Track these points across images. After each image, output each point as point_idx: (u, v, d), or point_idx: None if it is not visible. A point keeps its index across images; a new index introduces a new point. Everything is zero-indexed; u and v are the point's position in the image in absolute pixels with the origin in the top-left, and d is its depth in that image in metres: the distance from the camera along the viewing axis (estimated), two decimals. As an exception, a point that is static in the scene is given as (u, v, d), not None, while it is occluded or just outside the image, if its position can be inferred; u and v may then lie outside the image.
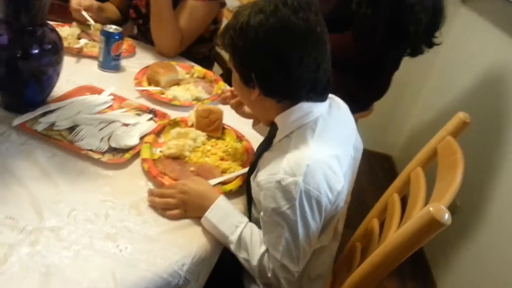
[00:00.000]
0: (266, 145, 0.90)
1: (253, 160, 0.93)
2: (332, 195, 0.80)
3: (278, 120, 0.85)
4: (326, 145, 0.81)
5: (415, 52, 1.53)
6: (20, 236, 0.74)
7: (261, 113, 0.92)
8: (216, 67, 1.81)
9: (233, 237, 0.84)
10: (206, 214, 0.84)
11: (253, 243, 0.85)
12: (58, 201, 0.83)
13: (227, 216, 0.85)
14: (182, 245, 0.81)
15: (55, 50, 1.04)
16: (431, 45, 1.53)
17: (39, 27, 1.02)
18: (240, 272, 0.95)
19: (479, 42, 1.97)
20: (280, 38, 0.76)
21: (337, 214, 0.89)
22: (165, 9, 1.40)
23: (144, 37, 1.61)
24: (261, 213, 0.84)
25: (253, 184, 0.87)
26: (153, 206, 0.87)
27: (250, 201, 0.93)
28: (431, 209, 0.69)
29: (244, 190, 0.95)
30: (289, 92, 0.82)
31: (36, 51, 1.00)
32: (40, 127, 1.00)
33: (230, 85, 1.00)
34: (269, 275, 0.84)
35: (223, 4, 1.59)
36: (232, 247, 0.85)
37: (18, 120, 1.00)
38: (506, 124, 1.59)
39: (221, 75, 1.62)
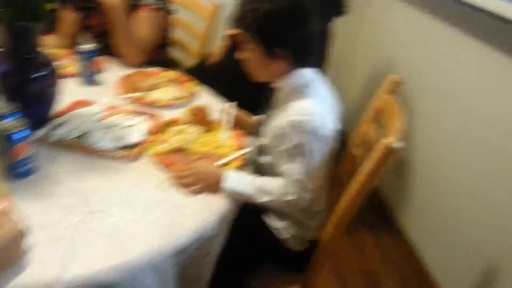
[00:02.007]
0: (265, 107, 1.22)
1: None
2: (331, 133, 1.11)
3: (282, 82, 1.13)
4: (319, 98, 1.11)
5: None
6: (78, 219, 0.92)
7: (266, 77, 1.16)
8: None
9: (253, 190, 1.08)
10: (224, 184, 1.07)
11: (269, 185, 1.10)
12: (94, 191, 1.01)
13: (240, 179, 1.09)
14: (207, 207, 1.02)
15: (52, 74, 1.20)
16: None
17: (35, 54, 1.17)
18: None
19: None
20: (302, 14, 1.06)
21: (329, 159, 1.15)
22: (123, 23, 1.59)
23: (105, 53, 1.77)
24: (277, 154, 1.11)
25: (265, 133, 1.17)
26: (178, 185, 1.07)
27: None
28: (385, 140, 0.97)
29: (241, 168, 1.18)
30: (305, 60, 1.11)
31: (37, 75, 1.15)
32: (54, 139, 1.16)
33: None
34: (290, 198, 1.08)
35: (170, 12, 1.79)
36: (254, 198, 1.08)
37: (35, 135, 1.14)
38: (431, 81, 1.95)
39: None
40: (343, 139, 1.28)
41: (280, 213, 1.20)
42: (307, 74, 1.13)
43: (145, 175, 1.09)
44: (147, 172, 1.11)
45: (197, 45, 2.03)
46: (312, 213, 1.21)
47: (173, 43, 2.01)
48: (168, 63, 1.96)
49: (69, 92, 1.40)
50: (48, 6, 1.08)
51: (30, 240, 0.82)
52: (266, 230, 1.21)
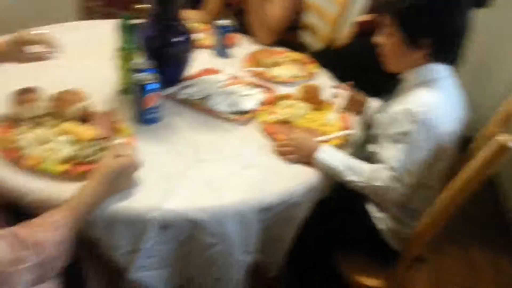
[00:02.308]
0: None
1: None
2: (447, 133, 1.06)
3: (411, 73, 1.11)
4: (445, 95, 1.07)
5: None
6: (187, 163, 1.06)
7: (400, 66, 1.14)
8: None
9: (342, 167, 1.09)
10: (316, 154, 1.10)
11: (360, 166, 1.10)
12: (206, 143, 1.14)
13: (332, 154, 1.11)
14: (298, 175, 1.08)
15: (189, 39, 1.36)
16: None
17: (177, 22, 1.34)
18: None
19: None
20: (452, 4, 1.04)
21: (442, 160, 1.10)
22: (257, 2, 1.71)
23: (239, 29, 1.92)
24: (383, 138, 1.11)
25: (379, 120, 1.17)
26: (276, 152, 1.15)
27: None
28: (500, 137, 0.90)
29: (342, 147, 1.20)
30: (445, 54, 1.08)
31: (176, 39, 1.32)
32: (181, 97, 1.32)
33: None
34: (379, 183, 1.06)
35: None
36: (342, 174, 1.08)
37: (166, 92, 1.32)
38: None
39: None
40: (468, 145, 1.20)
41: (379, 205, 1.18)
42: (440, 69, 1.09)
43: (250, 138, 1.19)
44: (253, 136, 1.20)
45: (327, 30, 2.07)
46: (413, 211, 1.16)
47: (305, 27, 2.08)
48: (297, 46, 2.03)
49: (201, 60, 1.56)
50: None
51: (142, 173, 0.97)
52: (364, 215, 1.20)
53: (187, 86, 1.38)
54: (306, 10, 1.96)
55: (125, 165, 0.92)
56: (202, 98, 1.33)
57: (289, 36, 1.90)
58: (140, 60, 1.22)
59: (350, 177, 1.09)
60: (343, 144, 1.21)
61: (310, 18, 2.09)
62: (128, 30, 1.22)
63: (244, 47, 1.74)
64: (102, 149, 1.01)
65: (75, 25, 1.76)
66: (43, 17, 1.57)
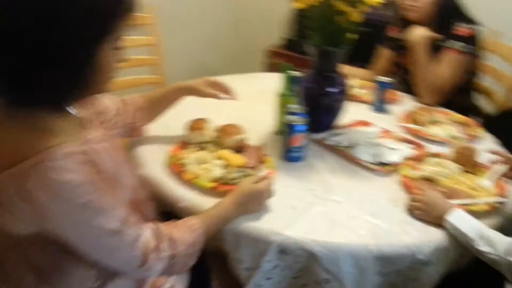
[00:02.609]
0: None
1: None
2: None
3: None
4: None
5: None
6: (316, 200, 1.13)
7: None
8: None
9: (474, 235, 1.00)
10: (447, 217, 1.04)
11: (496, 237, 0.99)
12: (339, 186, 1.19)
13: (466, 220, 1.03)
14: (428, 233, 1.04)
15: (343, 91, 1.46)
16: None
17: (334, 73, 1.45)
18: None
19: None
20: None
21: None
22: (423, 61, 1.71)
23: (405, 88, 1.92)
24: None
25: None
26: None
27: None
28: None
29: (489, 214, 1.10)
30: None
31: (331, 90, 1.43)
32: (329, 143, 1.41)
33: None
34: None
35: (478, 57, 1.76)
36: (473, 244, 1.00)
37: (316, 136, 1.43)
38: None
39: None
40: None
41: None
42: None
43: (386, 189, 1.19)
44: (389, 187, 1.20)
45: (502, 94, 1.91)
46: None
47: (479, 89, 1.96)
48: (468, 108, 1.93)
49: (358, 113, 1.64)
50: (349, 35, 1.33)
51: (273, 201, 1.08)
52: None
53: (336, 134, 1.46)
54: (481, 72, 1.86)
55: (259, 191, 1.05)
56: (348, 147, 1.39)
57: (459, 97, 1.83)
58: (295, 105, 1.36)
59: (482, 247, 0.99)
60: (491, 212, 1.11)
61: (485, 81, 1.97)
62: (289, 79, 1.39)
63: (404, 104, 1.75)
64: (246, 175, 1.16)
65: (253, 76, 2.03)
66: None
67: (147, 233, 0.89)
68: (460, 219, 1.04)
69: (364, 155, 1.34)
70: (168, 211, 1.09)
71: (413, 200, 1.12)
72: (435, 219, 1.06)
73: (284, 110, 1.37)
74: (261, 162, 1.25)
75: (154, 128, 1.36)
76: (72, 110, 0.87)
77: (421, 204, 1.10)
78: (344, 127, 1.52)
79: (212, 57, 3.30)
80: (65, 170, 0.75)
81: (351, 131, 1.49)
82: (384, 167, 1.29)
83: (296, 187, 1.18)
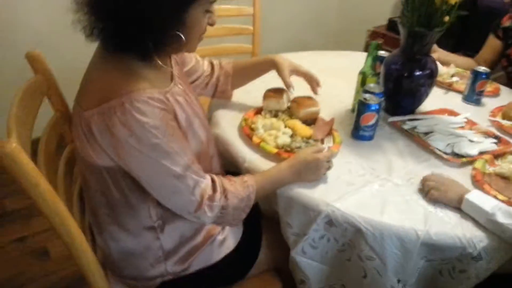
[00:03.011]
0: None
1: None
2: None
3: None
4: None
5: None
6: (374, 179, 1.13)
7: None
8: None
9: (494, 210, 0.96)
10: (467, 195, 1.01)
11: None
12: (402, 169, 1.18)
13: (485, 197, 1.02)
14: (482, 227, 1.00)
15: (430, 76, 1.40)
16: None
17: (424, 56, 1.39)
18: None
19: None
20: None
21: None
22: None
23: (510, 83, 1.77)
24: None
25: None
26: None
27: None
28: None
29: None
30: None
31: (417, 73, 1.38)
32: (405, 127, 1.37)
33: None
34: None
35: None
36: (494, 218, 0.96)
37: (393, 119, 1.41)
38: None
39: None
40: None
41: None
42: None
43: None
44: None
45: None
46: None
47: None
48: None
49: (446, 100, 1.57)
50: (446, 18, 1.27)
51: (330, 173, 1.12)
52: None
53: (416, 119, 1.42)
54: None
55: (317, 160, 1.08)
56: (425, 133, 1.35)
57: None
58: (373, 84, 1.35)
59: (503, 220, 0.95)
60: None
61: None
62: (373, 58, 1.38)
63: (501, 98, 1.63)
64: (309, 146, 1.20)
65: (345, 53, 2.02)
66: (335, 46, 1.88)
67: (206, 182, 0.98)
68: (479, 197, 1.01)
69: (439, 143, 1.29)
70: (234, 171, 1.17)
71: (428, 180, 1.09)
72: (451, 201, 1.04)
73: (362, 88, 1.37)
74: (329, 135, 1.28)
75: (236, 92, 1.45)
76: (161, 62, 0.97)
77: (437, 183, 1.07)
78: (426, 113, 1.47)
79: (312, 33, 3.31)
80: (143, 112, 0.87)
81: (433, 118, 1.43)
82: (458, 159, 1.23)
83: (357, 164, 1.19)
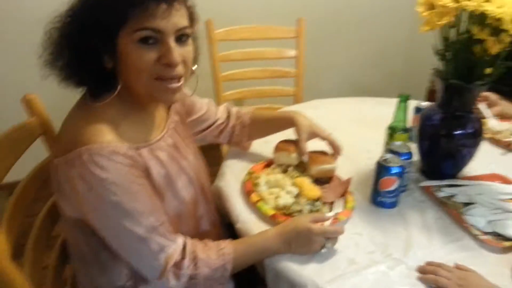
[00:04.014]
0: None
1: None
2: None
3: None
4: None
5: None
6: (384, 258, 0.94)
7: None
8: None
9: None
10: None
11: None
12: (426, 250, 0.97)
13: None
14: None
15: (474, 136, 1.17)
16: None
17: (465, 113, 1.18)
18: None
19: None
20: None
21: None
22: None
23: None
24: None
25: None
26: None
27: None
28: None
29: None
30: None
31: (458, 132, 1.17)
32: (440, 194, 1.15)
33: None
34: None
35: None
36: None
37: (425, 183, 1.19)
38: None
39: None
40: None
41: None
42: None
43: (490, 270, 0.90)
44: (496, 269, 0.91)
45: None
46: None
47: None
48: None
49: (499, 162, 1.32)
50: (488, 70, 1.07)
51: (334, 245, 0.95)
52: None
53: (456, 185, 1.19)
54: None
55: (309, 232, 0.92)
56: (463, 203, 1.12)
57: None
58: (401, 142, 1.16)
59: None
60: None
61: None
62: (404, 110, 1.20)
63: None
64: (315, 211, 1.04)
65: (381, 100, 1.76)
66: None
67: (174, 247, 0.87)
68: None
69: (478, 218, 1.06)
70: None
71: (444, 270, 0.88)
72: None
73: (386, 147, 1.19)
74: (341, 198, 1.10)
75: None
76: (145, 111, 0.92)
77: (453, 278, 0.86)
78: (472, 178, 1.23)
79: (373, 76, 3.14)
80: (103, 167, 0.79)
81: (479, 185, 1.19)
82: (501, 242, 0.99)
83: (367, 238, 1.00)
